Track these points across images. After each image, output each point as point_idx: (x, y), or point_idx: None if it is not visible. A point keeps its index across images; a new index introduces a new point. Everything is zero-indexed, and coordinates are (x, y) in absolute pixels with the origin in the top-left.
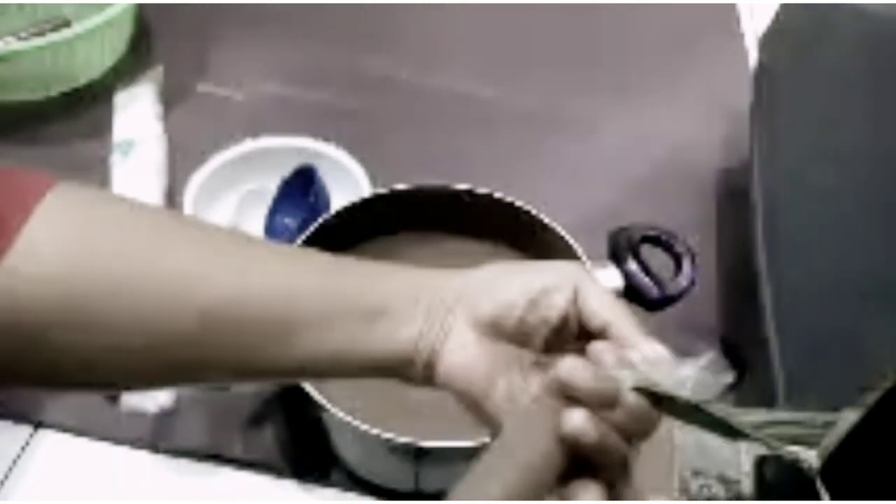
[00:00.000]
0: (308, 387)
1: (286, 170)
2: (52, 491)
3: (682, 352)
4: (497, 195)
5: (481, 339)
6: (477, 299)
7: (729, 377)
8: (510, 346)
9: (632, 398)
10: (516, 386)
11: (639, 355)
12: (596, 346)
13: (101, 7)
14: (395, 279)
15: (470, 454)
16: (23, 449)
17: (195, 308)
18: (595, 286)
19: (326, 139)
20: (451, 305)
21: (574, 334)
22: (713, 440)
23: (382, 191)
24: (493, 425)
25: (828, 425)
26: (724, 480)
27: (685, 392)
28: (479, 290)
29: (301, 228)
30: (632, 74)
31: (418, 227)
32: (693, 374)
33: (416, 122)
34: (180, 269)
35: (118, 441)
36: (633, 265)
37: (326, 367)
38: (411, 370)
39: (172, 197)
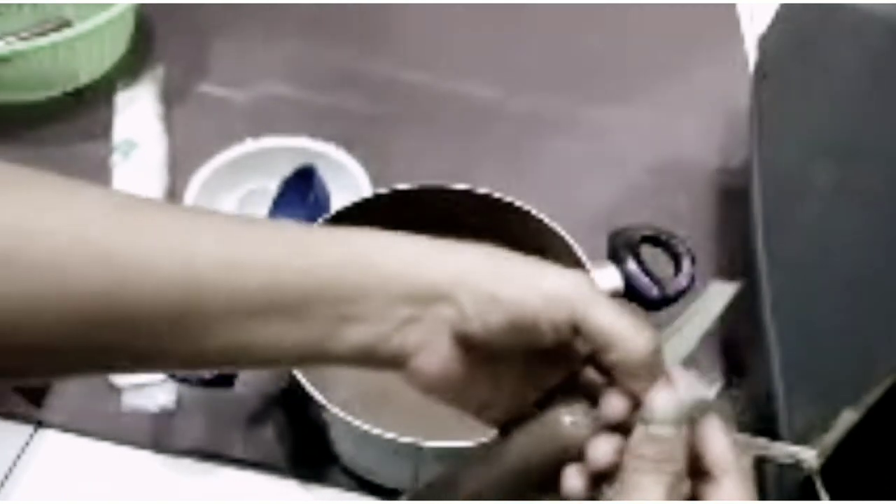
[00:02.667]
0: (309, 386)
1: (287, 170)
2: (52, 491)
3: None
4: (497, 195)
5: (459, 351)
6: (466, 315)
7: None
8: (487, 357)
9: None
10: (491, 395)
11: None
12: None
13: (102, 7)
14: (356, 261)
15: (470, 454)
16: (23, 449)
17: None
18: (602, 327)
19: (327, 139)
20: (433, 312)
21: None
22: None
23: (382, 191)
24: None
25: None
26: None
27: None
28: (472, 305)
29: None
30: (631, 74)
31: (418, 227)
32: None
33: (416, 122)
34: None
35: (118, 441)
36: (632, 265)
37: (249, 363)
38: (365, 366)
39: (173, 197)
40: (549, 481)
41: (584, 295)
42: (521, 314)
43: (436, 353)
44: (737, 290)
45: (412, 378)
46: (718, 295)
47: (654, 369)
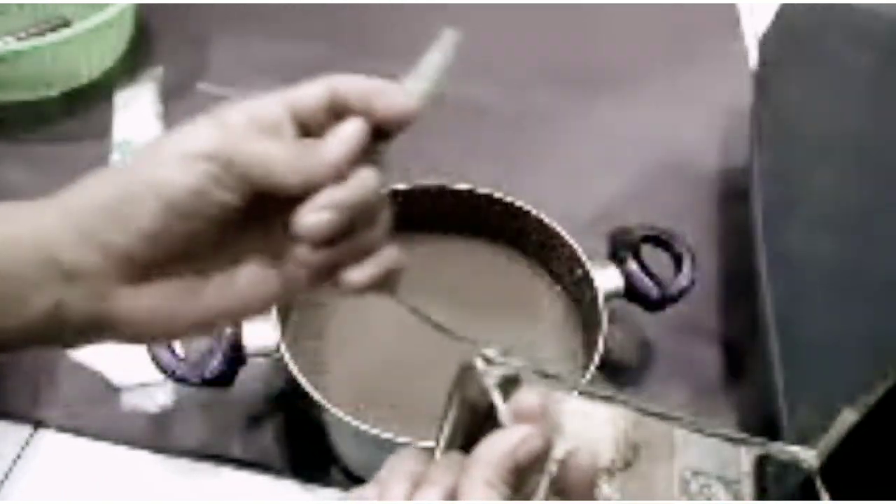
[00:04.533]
0: (308, 387)
1: None
2: (52, 491)
3: (681, 351)
4: (497, 195)
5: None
6: (101, 236)
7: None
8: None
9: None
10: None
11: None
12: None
13: (101, 7)
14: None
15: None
16: (22, 449)
17: None
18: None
19: None
20: (71, 258)
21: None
22: (713, 440)
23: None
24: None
25: None
26: (723, 480)
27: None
28: (98, 224)
29: None
30: (631, 74)
31: (418, 227)
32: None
33: (415, 123)
34: None
35: (118, 441)
36: (633, 265)
37: None
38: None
39: None
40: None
41: (220, 147)
42: (128, 195)
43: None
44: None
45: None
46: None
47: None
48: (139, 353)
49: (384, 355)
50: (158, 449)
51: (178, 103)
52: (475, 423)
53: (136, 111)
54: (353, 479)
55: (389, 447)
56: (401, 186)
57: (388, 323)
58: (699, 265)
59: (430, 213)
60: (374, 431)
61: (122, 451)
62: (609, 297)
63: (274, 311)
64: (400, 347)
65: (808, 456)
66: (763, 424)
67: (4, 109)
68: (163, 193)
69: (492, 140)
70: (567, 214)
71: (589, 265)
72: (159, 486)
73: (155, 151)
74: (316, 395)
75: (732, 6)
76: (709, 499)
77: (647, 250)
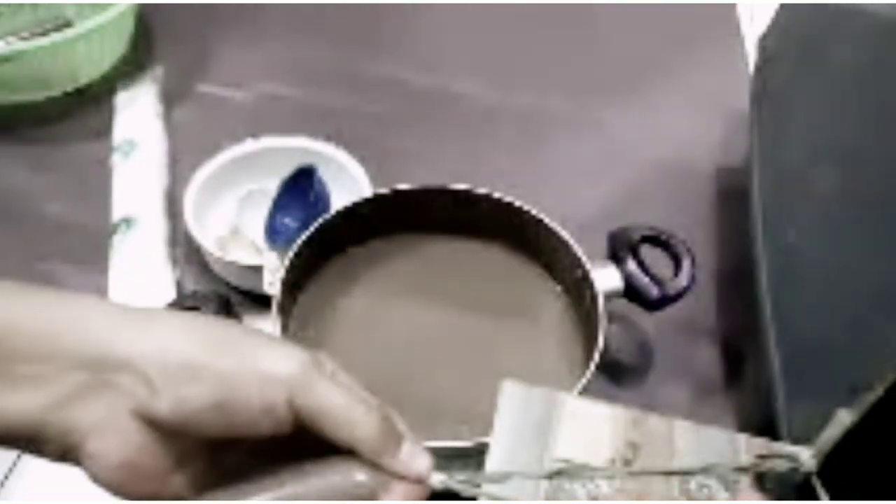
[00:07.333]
0: None
1: (287, 170)
2: (53, 491)
3: (680, 351)
4: (497, 195)
5: (145, 437)
6: (154, 388)
7: None
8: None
9: None
10: (201, 472)
11: None
12: None
13: (102, 7)
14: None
15: (468, 454)
16: None
17: None
18: (321, 400)
19: (327, 139)
20: (113, 382)
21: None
22: (713, 439)
23: (382, 191)
24: None
25: None
26: (722, 480)
27: None
28: (163, 377)
29: (301, 228)
30: (631, 74)
31: (418, 227)
32: None
33: (415, 122)
34: None
35: None
36: (632, 265)
37: None
38: (33, 449)
39: (173, 197)
40: None
41: (305, 376)
42: (231, 391)
43: (115, 436)
44: None
45: (88, 467)
46: None
47: (389, 444)
48: None
49: (386, 354)
50: None
51: (179, 104)
52: None
53: (137, 111)
54: None
55: None
56: (401, 186)
57: (390, 322)
58: (698, 265)
59: (430, 213)
60: None
61: None
62: (609, 297)
63: (274, 308)
64: (402, 346)
65: (807, 456)
66: (762, 424)
67: (6, 109)
68: (220, 389)
69: (492, 140)
70: (567, 214)
71: (588, 265)
72: None
73: (236, 347)
74: None
75: (732, 7)
76: (708, 498)
77: (646, 250)
